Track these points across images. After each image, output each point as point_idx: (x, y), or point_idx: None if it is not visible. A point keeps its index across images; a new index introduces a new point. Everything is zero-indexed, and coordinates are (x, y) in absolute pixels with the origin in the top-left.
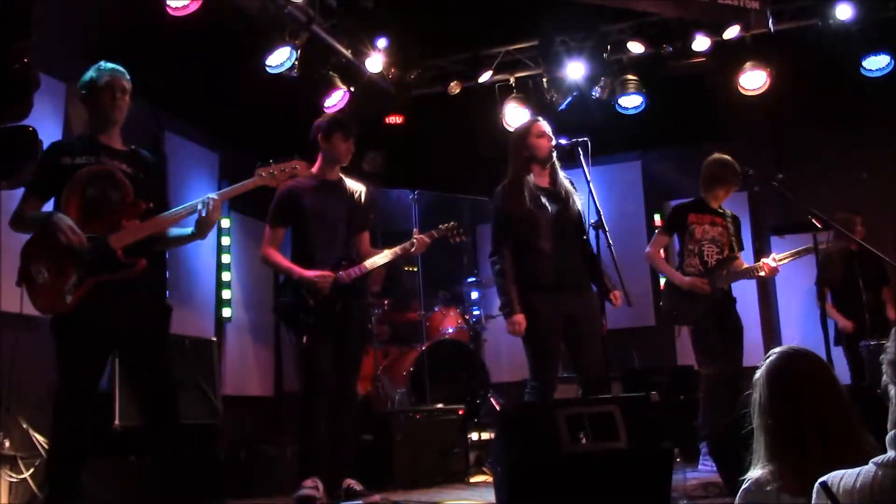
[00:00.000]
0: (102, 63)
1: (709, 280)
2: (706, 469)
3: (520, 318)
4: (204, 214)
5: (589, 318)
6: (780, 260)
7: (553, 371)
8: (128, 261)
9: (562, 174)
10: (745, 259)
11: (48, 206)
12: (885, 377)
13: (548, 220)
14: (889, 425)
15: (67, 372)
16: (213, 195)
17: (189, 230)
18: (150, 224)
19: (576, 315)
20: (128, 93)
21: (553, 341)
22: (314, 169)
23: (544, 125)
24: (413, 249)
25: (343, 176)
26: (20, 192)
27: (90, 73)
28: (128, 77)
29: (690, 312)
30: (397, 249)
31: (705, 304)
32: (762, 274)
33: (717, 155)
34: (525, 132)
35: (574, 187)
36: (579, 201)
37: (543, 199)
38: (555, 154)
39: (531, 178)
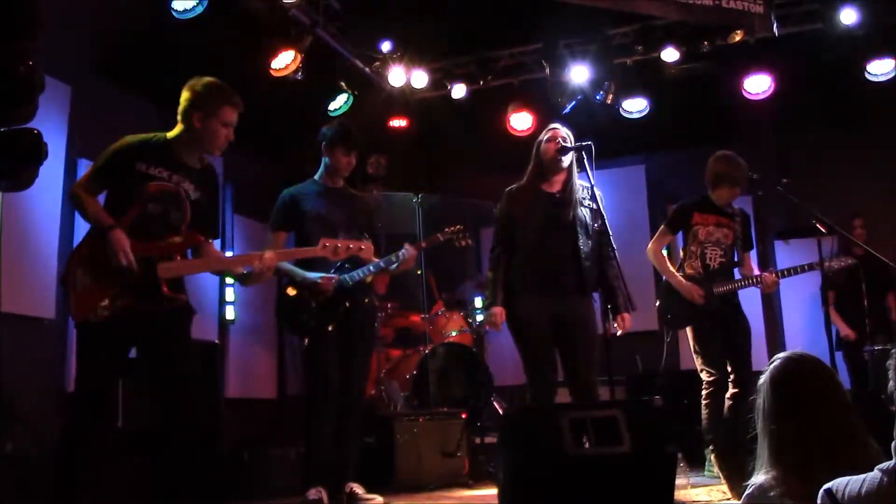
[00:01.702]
0: (227, 88)
1: (706, 288)
2: (712, 476)
3: (497, 310)
4: (257, 271)
5: (579, 323)
6: (782, 274)
7: (549, 375)
8: (170, 295)
9: (577, 180)
10: (752, 259)
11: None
12: (890, 382)
13: (540, 224)
14: (895, 431)
15: (86, 374)
16: (270, 253)
17: (237, 271)
18: (200, 264)
19: (564, 319)
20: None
21: (544, 345)
22: (317, 176)
23: (555, 130)
24: (397, 267)
25: (346, 184)
26: (23, 193)
27: (209, 90)
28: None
29: (686, 317)
30: (380, 262)
31: (703, 308)
32: (760, 287)
33: (721, 151)
34: (542, 138)
35: (590, 195)
36: (588, 210)
37: (540, 203)
38: (565, 158)
39: (540, 183)
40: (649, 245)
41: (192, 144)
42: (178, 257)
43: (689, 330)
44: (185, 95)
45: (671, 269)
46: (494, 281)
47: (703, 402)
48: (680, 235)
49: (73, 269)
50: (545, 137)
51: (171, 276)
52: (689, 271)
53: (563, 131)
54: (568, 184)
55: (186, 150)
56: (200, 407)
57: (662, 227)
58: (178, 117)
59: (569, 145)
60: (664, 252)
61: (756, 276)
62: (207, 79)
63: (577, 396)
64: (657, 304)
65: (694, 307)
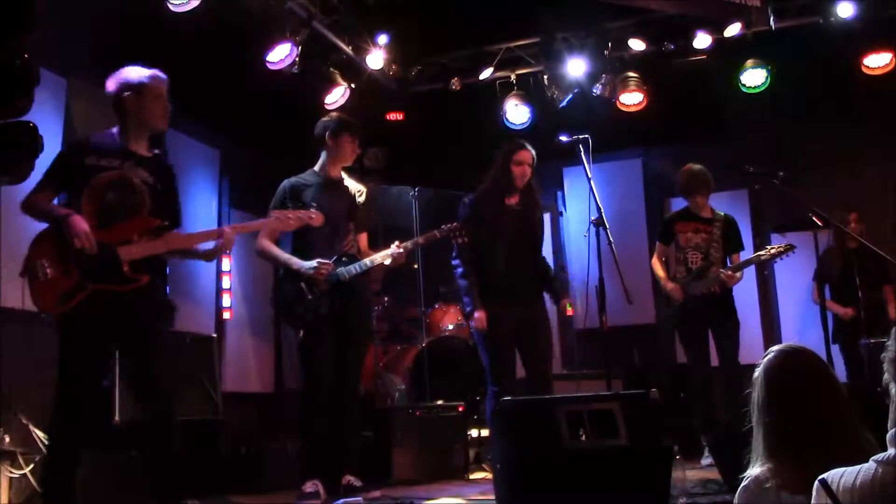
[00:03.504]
0: (143, 69)
1: (685, 288)
2: (708, 464)
3: (480, 314)
4: (220, 244)
5: (538, 325)
6: (735, 271)
7: (511, 374)
8: (132, 276)
9: (533, 190)
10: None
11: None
12: (886, 375)
13: (506, 236)
14: (889, 423)
15: (67, 370)
16: (228, 227)
17: (200, 250)
18: (161, 243)
19: (526, 323)
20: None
21: (507, 347)
22: (317, 167)
23: (527, 154)
24: (388, 263)
25: (345, 175)
26: (20, 186)
27: (137, 78)
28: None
29: (674, 318)
30: (376, 257)
31: (687, 308)
32: (727, 284)
33: (687, 165)
34: (509, 154)
35: (539, 204)
36: (543, 219)
37: (507, 218)
38: (530, 179)
39: (503, 195)
40: (652, 259)
41: (135, 130)
42: (136, 238)
43: (676, 331)
44: (111, 86)
45: (662, 275)
46: (469, 287)
47: (694, 395)
48: None
49: (34, 260)
50: (514, 158)
51: (132, 257)
52: (676, 276)
53: (532, 152)
54: (528, 194)
55: (132, 137)
56: (176, 404)
57: (657, 242)
58: (113, 110)
59: (564, 138)
60: (657, 263)
61: (718, 274)
62: (127, 66)
63: (534, 387)
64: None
65: (679, 309)
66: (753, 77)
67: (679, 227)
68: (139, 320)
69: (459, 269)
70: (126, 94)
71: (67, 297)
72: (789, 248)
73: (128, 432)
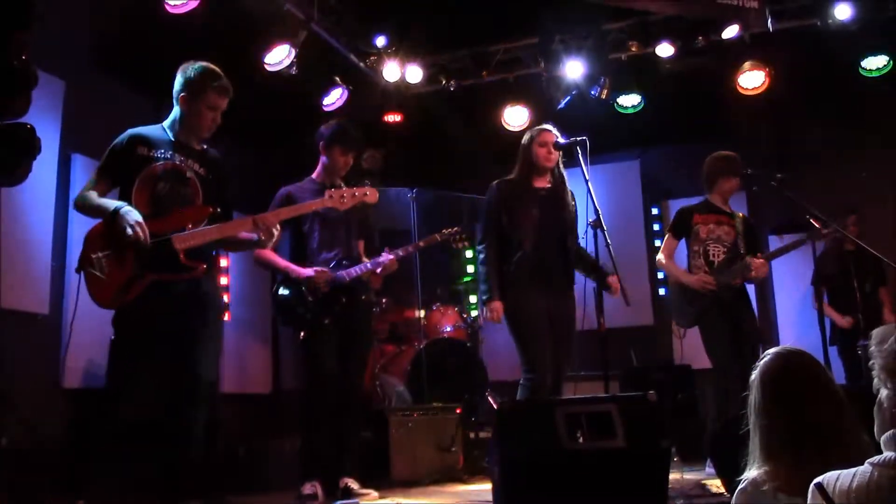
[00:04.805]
0: (213, 73)
1: (715, 279)
2: (711, 472)
3: (497, 305)
4: (262, 236)
5: (566, 320)
6: (771, 256)
7: (547, 361)
8: (189, 264)
9: (565, 178)
10: None
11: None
12: (875, 380)
13: (533, 222)
14: (883, 427)
15: (117, 366)
16: (268, 214)
17: (251, 240)
18: (215, 230)
19: (554, 314)
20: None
21: (542, 332)
22: (315, 174)
23: (549, 135)
24: (379, 271)
25: (343, 183)
26: (17, 189)
27: (199, 81)
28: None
29: (696, 313)
30: (368, 264)
31: (710, 301)
32: (752, 272)
33: (717, 152)
34: (531, 138)
35: (572, 194)
36: (575, 206)
37: (534, 201)
38: (553, 157)
39: (531, 181)
40: (658, 256)
41: (185, 125)
42: (191, 226)
43: (698, 325)
44: (177, 78)
45: (679, 269)
46: (489, 275)
47: (714, 391)
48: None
49: (89, 255)
50: (537, 140)
51: (187, 245)
52: (695, 271)
53: (556, 133)
54: (556, 180)
55: (183, 131)
56: (207, 410)
57: (667, 234)
58: (173, 100)
59: (562, 141)
60: (668, 259)
61: (746, 263)
62: (200, 63)
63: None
64: (671, 304)
65: (703, 301)
66: (751, 79)
67: (698, 218)
68: (193, 315)
69: (482, 255)
70: (184, 92)
71: (125, 290)
72: (823, 232)
73: (127, 431)
